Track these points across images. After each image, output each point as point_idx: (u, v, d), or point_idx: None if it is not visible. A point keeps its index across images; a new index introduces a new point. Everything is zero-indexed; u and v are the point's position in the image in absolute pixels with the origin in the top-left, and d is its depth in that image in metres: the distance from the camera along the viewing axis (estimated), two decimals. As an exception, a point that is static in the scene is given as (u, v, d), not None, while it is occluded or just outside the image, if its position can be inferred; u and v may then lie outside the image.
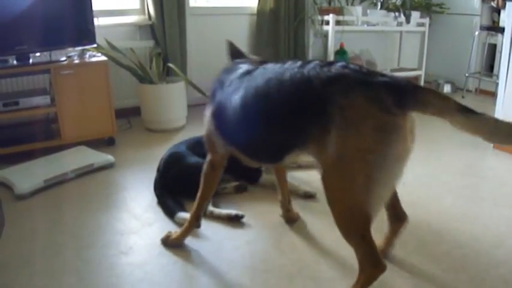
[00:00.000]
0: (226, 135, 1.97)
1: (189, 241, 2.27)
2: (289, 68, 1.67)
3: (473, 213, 2.55)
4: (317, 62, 1.64)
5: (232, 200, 2.71)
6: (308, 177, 2.98)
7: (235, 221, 2.46)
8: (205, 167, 2.12)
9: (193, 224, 2.20)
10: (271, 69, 1.76)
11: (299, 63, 1.67)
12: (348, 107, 1.48)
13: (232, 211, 2.50)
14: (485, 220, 2.49)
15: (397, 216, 1.95)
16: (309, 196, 2.76)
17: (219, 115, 1.97)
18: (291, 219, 2.47)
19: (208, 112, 2.05)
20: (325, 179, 1.59)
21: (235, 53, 2.38)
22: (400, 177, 1.56)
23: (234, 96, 1.83)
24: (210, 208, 2.52)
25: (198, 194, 2.15)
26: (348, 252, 2.13)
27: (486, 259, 2.12)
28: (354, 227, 1.60)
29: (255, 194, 2.82)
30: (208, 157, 2.12)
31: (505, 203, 2.72)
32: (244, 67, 1.95)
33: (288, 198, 2.45)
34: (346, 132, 1.49)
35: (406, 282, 1.94)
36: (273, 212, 2.57)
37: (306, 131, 1.59)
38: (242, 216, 2.48)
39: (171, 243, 2.22)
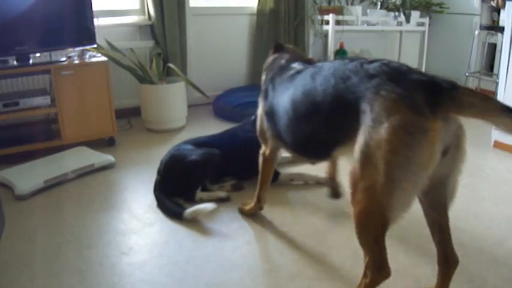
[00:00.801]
0: (277, 133, 2.07)
1: (189, 241, 2.27)
2: (335, 66, 1.69)
3: (474, 212, 2.55)
4: (360, 60, 1.64)
5: (232, 201, 2.71)
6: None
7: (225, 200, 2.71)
8: (260, 158, 2.38)
9: (257, 206, 2.50)
10: (319, 68, 1.79)
11: (345, 61, 1.68)
12: (376, 104, 1.46)
13: (222, 193, 2.75)
14: (486, 219, 2.49)
15: (446, 257, 1.72)
16: (322, 183, 2.90)
17: (270, 113, 2.09)
18: (337, 193, 2.58)
19: (260, 110, 2.25)
20: (350, 176, 1.57)
21: (278, 47, 2.54)
22: (423, 186, 1.45)
23: (285, 96, 1.92)
24: (199, 195, 2.69)
25: (258, 180, 2.44)
26: (349, 253, 2.14)
27: (487, 258, 2.12)
28: (370, 228, 1.55)
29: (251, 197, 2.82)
30: (262, 149, 2.36)
31: (506, 202, 2.72)
32: (295, 67, 2.03)
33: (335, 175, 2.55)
34: (371, 129, 1.46)
35: (408, 281, 1.94)
36: (273, 212, 2.57)
37: (345, 128, 1.58)
38: (229, 198, 2.73)
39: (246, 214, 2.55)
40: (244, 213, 2.56)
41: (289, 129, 1.94)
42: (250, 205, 2.54)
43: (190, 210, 2.46)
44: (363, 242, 1.60)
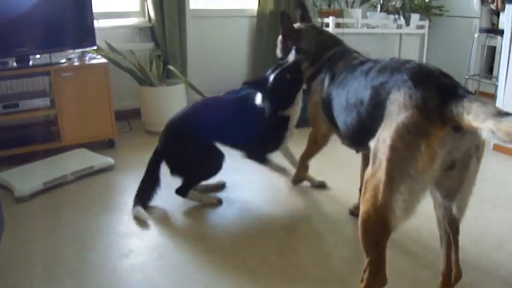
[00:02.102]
0: (331, 119, 2.12)
1: (188, 243, 2.27)
2: (384, 63, 1.74)
3: (473, 216, 2.55)
4: (403, 60, 1.69)
5: (230, 203, 2.71)
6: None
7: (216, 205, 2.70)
8: (309, 141, 2.57)
9: (303, 168, 2.80)
10: (375, 63, 1.83)
11: (393, 59, 1.74)
12: (393, 101, 1.50)
13: (213, 199, 2.74)
14: (485, 222, 2.49)
15: (449, 270, 1.73)
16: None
17: (328, 100, 2.13)
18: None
19: (316, 96, 2.30)
20: (365, 174, 1.58)
21: (304, 16, 2.73)
22: (421, 193, 1.45)
23: (344, 86, 1.97)
24: (191, 194, 2.70)
25: (303, 153, 2.69)
26: (349, 255, 2.14)
27: (486, 261, 2.12)
28: (371, 230, 1.56)
29: (255, 197, 2.82)
30: (312, 132, 2.51)
31: (505, 205, 2.72)
32: (354, 60, 2.11)
33: None
34: (384, 125, 1.49)
35: (407, 284, 1.94)
36: (272, 215, 2.58)
37: (376, 121, 1.57)
38: (221, 202, 2.72)
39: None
40: (295, 181, 2.88)
41: (342, 116, 1.96)
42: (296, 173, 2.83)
43: (137, 211, 2.54)
44: (363, 243, 1.60)
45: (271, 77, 2.49)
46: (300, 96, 2.57)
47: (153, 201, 2.68)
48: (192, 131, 2.61)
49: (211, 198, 2.73)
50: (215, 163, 2.63)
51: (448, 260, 1.73)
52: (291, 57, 2.47)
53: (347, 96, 1.89)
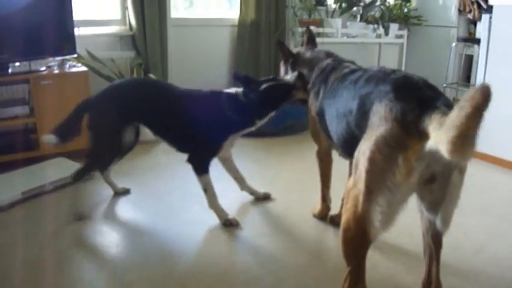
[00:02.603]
0: (327, 132, 2.09)
1: (169, 254, 2.26)
2: (372, 73, 1.76)
3: (453, 222, 2.57)
4: (390, 70, 1.71)
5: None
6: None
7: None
8: (317, 160, 2.49)
9: (324, 206, 2.59)
10: (364, 72, 1.84)
11: (380, 69, 1.77)
12: (375, 112, 1.50)
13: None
14: (464, 228, 2.52)
15: (429, 282, 1.75)
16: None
17: (321, 113, 2.11)
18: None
19: (313, 110, 2.25)
20: (347, 185, 1.60)
21: (311, 40, 2.70)
22: (402, 204, 1.46)
23: (334, 97, 1.96)
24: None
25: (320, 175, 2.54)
26: (331, 265, 2.14)
27: (466, 266, 2.15)
28: (351, 240, 1.57)
29: (232, 207, 2.82)
30: (317, 150, 2.47)
31: (484, 210, 2.76)
32: (344, 69, 2.07)
33: None
34: (365, 136, 1.50)
35: (388, 290, 1.96)
36: (252, 223, 2.57)
37: (362, 133, 1.57)
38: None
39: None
40: (316, 217, 2.62)
41: (333, 125, 1.95)
42: (317, 208, 2.61)
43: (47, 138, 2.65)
44: (344, 252, 1.61)
45: (266, 84, 2.49)
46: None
47: (133, 212, 2.66)
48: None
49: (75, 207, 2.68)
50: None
51: (429, 272, 1.75)
52: (288, 76, 2.50)
53: (337, 105, 1.89)
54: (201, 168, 2.53)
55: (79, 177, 2.65)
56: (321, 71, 2.27)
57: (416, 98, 1.42)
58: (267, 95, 2.45)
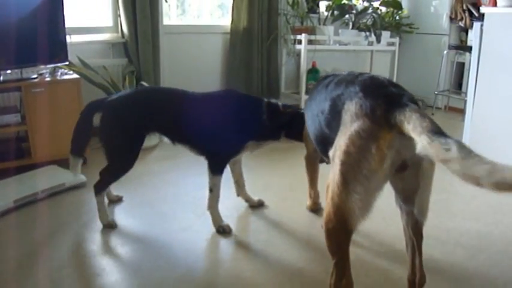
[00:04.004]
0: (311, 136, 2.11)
1: (163, 261, 2.25)
2: (343, 76, 1.86)
3: (445, 228, 2.59)
4: (356, 72, 1.83)
5: (205, 220, 2.70)
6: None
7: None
8: (305, 162, 2.67)
9: (312, 202, 2.81)
10: (336, 77, 1.91)
11: (350, 73, 1.87)
12: (346, 110, 1.59)
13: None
14: (456, 234, 2.53)
15: (414, 275, 1.80)
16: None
17: (308, 120, 2.14)
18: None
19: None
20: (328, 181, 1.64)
21: None
22: (378, 190, 1.54)
23: (310, 101, 2.08)
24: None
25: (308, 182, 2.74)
26: (321, 269, 2.14)
27: (458, 272, 2.16)
28: (334, 232, 1.62)
29: (225, 213, 2.82)
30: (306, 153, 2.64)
31: (476, 216, 2.77)
32: (325, 79, 2.09)
33: None
34: (339, 133, 1.59)
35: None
36: (245, 230, 2.57)
37: (334, 132, 1.65)
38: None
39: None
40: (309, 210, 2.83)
41: (310, 126, 2.03)
42: (308, 204, 2.84)
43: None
44: (328, 246, 1.67)
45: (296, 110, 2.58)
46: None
47: (126, 219, 2.65)
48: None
49: (106, 218, 2.62)
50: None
51: (413, 266, 1.79)
52: None
53: (312, 107, 1.98)
54: (217, 168, 2.53)
55: (100, 189, 2.60)
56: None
57: (383, 95, 1.55)
58: (302, 118, 2.40)
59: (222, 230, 2.53)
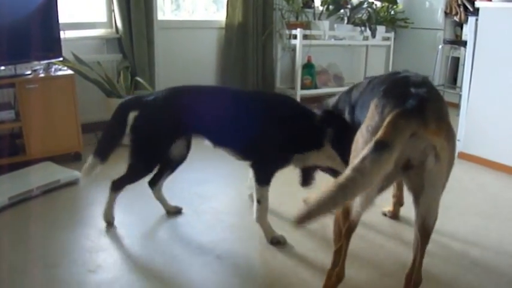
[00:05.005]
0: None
1: (159, 257, 2.25)
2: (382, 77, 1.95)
3: (440, 223, 2.56)
4: (399, 71, 1.91)
5: (200, 215, 2.70)
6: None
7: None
8: None
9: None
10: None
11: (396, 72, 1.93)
12: (370, 106, 1.66)
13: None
14: (451, 229, 2.54)
15: (410, 275, 1.80)
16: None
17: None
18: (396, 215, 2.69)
19: None
20: None
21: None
22: (375, 186, 1.52)
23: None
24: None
25: None
26: (320, 263, 2.14)
27: (453, 267, 2.17)
28: (337, 220, 1.75)
29: (226, 208, 2.81)
30: None
31: (471, 211, 2.78)
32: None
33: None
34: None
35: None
36: (241, 226, 2.57)
37: None
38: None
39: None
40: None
41: None
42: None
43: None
44: (333, 233, 1.80)
45: None
46: None
47: (122, 215, 2.64)
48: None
49: (110, 216, 2.56)
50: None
51: (414, 265, 1.78)
52: None
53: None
54: (264, 179, 2.34)
55: (118, 187, 2.51)
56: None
57: (397, 96, 1.58)
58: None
59: (276, 241, 2.36)
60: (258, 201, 2.36)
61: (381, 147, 1.38)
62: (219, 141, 2.42)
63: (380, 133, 1.41)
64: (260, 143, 2.31)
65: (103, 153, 2.50)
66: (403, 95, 1.56)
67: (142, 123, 2.37)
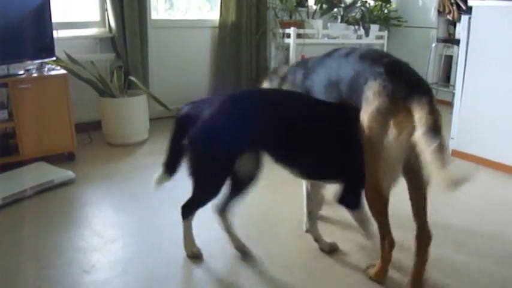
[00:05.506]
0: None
1: (153, 257, 2.24)
2: (363, 52, 2.06)
3: (434, 221, 2.58)
4: (380, 51, 2.12)
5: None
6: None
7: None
8: None
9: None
10: (352, 51, 2.13)
11: (375, 51, 2.14)
12: (369, 87, 1.81)
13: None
14: (446, 227, 2.55)
15: (420, 231, 1.96)
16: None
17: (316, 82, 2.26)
18: None
19: None
20: None
21: None
22: (399, 160, 1.75)
23: (325, 70, 2.22)
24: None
25: None
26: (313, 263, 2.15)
27: (447, 264, 2.18)
28: (372, 202, 1.90)
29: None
30: None
31: (464, 209, 2.79)
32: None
33: None
34: (363, 109, 1.82)
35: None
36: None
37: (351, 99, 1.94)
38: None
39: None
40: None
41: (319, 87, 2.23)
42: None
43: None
44: (372, 214, 1.94)
45: None
46: None
47: (116, 215, 2.63)
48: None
49: (192, 246, 2.25)
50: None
51: (418, 221, 1.98)
52: None
53: (328, 71, 2.14)
54: (358, 201, 2.04)
55: (187, 213, 2.20)
56: None
57: (404, 81, 1.77)
58: None
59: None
60: (361, 221, 2.14)
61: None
62: (289, 158, 2.08)
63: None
64: (350, 161, 1.97)
65: (171, 168, 2.23)
66: (411, 82, 1.77)
67: (198, 138, 2.04)
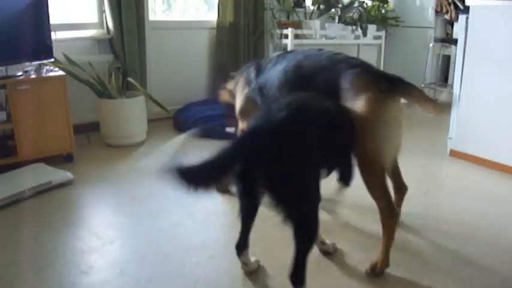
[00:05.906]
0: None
1: (151, 258, 2.24)
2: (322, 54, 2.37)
3: (433, 220, 2.60)
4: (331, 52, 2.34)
5: (193, 215, 2.69)
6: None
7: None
8: None
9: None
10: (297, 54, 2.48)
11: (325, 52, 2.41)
12: (354, 83, 2.02)
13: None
14: (444, 226, 2.55)
15: (399, 185, 2.44)
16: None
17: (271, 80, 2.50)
18: None
19: None
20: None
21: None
22: (396, 139, 2.06)
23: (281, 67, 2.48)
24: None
25: None
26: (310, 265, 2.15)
27: (447, 264, 2.18)
28: (374, 173, 2.00)
29: (214, 209, 2.81)
30: None
31: (463, 208, 2.79)
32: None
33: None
34: (347, 99, 2.01)
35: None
36: (234, 226, 2.56)
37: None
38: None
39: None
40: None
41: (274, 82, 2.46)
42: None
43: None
44: (375, 192, 2.02)
45: None
46: None
47: (114, 216, 2.63)
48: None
49: None
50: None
51: (395, 179, 2.41)
52: None
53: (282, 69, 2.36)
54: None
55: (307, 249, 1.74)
56: None
57: (380, 74, 2.11)
58: None
59: None
60: None
61: None
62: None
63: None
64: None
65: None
66: (384, 75, 2.09)
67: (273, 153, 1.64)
